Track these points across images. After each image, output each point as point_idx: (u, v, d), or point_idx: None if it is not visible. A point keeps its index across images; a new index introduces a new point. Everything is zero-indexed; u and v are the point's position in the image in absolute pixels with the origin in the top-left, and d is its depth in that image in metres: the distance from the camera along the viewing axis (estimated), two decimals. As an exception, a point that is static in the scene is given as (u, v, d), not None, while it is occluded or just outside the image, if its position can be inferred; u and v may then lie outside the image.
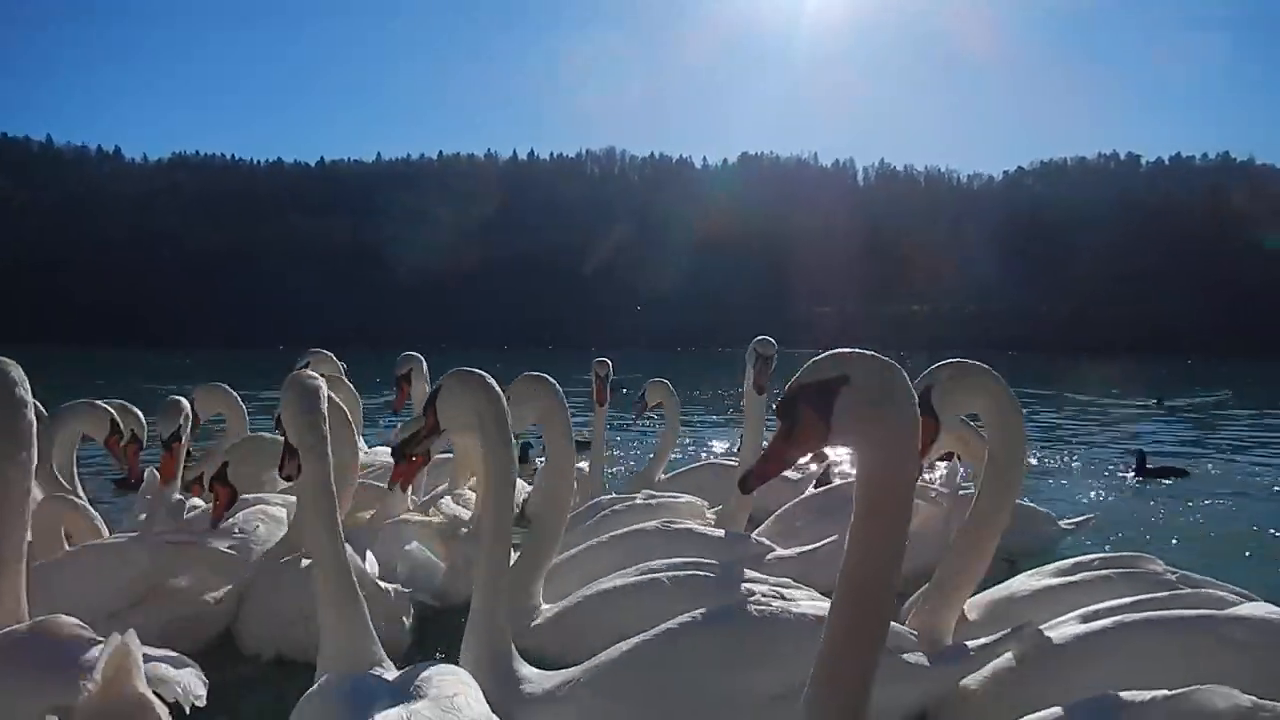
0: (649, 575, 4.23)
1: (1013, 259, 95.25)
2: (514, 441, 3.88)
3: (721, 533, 5.29)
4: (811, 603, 3.61)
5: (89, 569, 4.22)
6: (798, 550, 5.12)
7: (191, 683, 2.54)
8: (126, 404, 5.90)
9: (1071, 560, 4.32)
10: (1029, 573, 4.30)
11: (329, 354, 7.90)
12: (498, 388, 3.78)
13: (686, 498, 6.22)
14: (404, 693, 2.64)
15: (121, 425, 5.74)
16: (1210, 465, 11.88)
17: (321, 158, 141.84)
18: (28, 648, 2.76)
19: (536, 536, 4.52)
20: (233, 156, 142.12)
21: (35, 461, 3.31)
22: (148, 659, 2.42)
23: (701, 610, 3.40)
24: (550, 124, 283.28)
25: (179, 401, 5.59)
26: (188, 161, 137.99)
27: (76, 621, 2.85)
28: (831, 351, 2.17)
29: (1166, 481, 10.40)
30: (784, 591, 3.83)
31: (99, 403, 5.82)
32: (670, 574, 4.21)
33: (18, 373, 3.32)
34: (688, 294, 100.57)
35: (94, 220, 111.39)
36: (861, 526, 2.17)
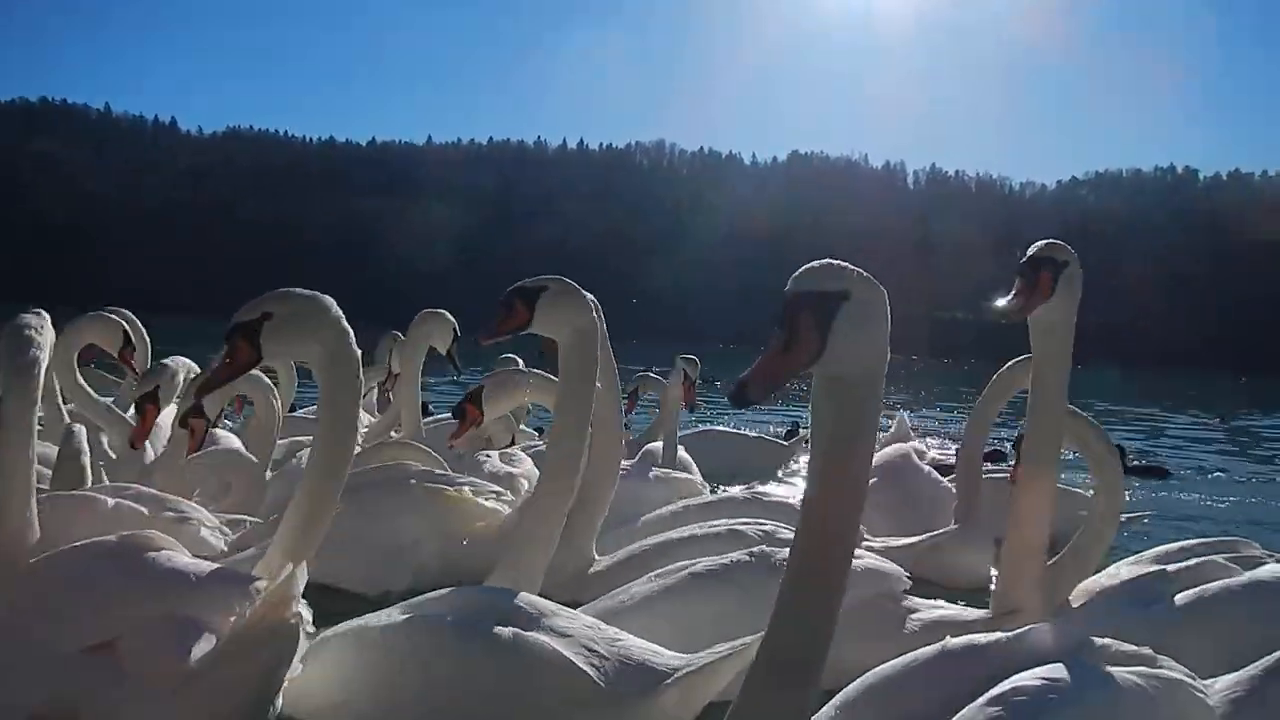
0: (707, 528, 4.24)
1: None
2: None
3: None
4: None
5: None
6: (900, 542, 5.04)
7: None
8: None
9: (1175, 545, 4.26)
10: (1129, 560, 4.26)
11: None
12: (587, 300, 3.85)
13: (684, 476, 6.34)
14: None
15: (133, 337, 5.68)
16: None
17: (373, 138, 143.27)
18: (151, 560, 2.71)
19: (588, 493, 4.28)
20: (285, 132, 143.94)
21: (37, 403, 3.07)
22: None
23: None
24: (602, 115, 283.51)
25: (165, 365, 5.15)
26: (241, 135, 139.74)
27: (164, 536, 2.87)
28: (826, 261, 2.09)
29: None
30: None
31: (108, 313, 5.71)
32: (727, 526, 4.21)
33: (36, 320, 3.14)
34: (729, 289, 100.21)
35: (150, 189, 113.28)
36: (828, 465, 2.12)
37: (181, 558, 2.73)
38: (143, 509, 3.66)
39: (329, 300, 3.06)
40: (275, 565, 2.72)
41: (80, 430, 4.42)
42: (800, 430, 11.05)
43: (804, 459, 6.77)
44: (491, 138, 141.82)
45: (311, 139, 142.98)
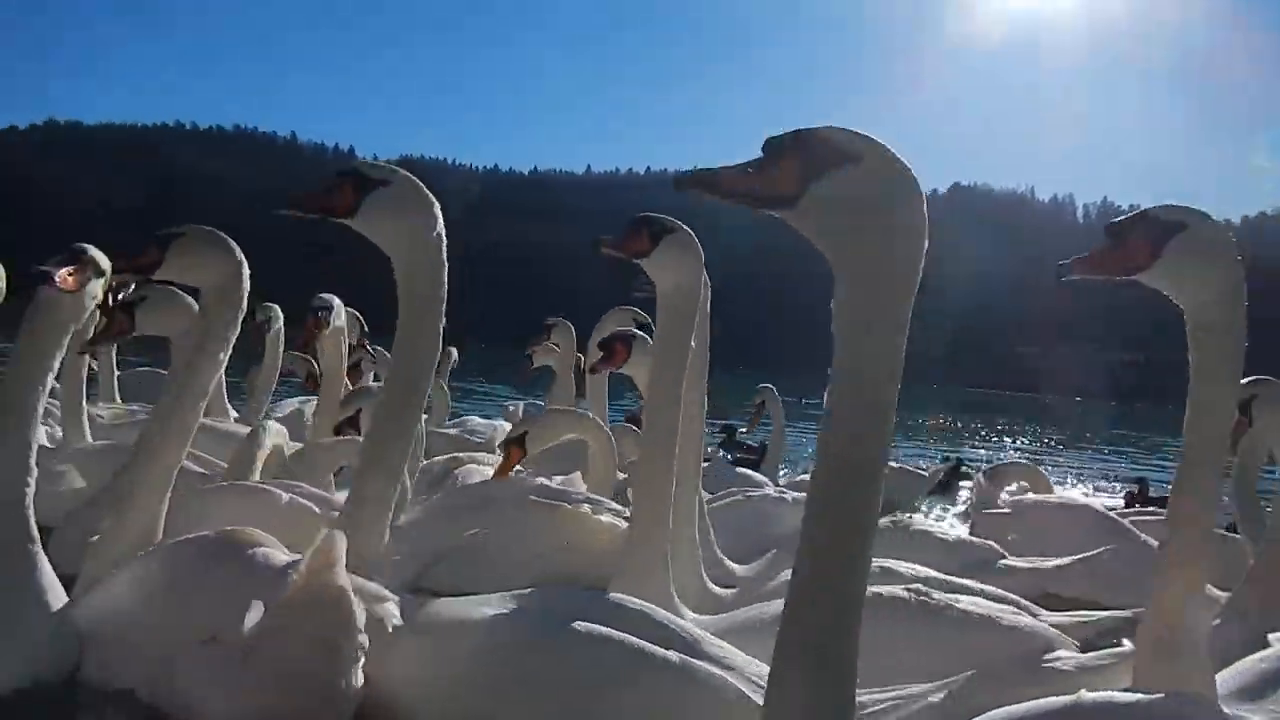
0: None
1: (1248, 312, 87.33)
2: None
3: (955, 536, 5.11)
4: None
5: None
6: (1048, 563, 4.75)
7: (391, 609, 2.59)
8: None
9: None
10: None
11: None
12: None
13: None
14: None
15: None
16: None
17: (534, 166, 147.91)
18: (228, 549, 2.82)
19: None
20: (454, 161, 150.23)
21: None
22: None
23: None
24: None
25: (370, 389, 5.45)
26: (412, 163, 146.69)
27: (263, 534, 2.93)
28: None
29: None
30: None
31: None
32: (878, 564, 4.06)
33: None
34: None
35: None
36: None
37: (279, 554, 2.78)
38: (313, 505, 3.74)
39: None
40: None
41: (270, 426, 4.65)
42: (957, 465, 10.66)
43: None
44: (649, 166, 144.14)
45: (477, 167, 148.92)
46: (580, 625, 2.56)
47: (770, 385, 8.85)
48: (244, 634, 2.36)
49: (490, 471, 5.04)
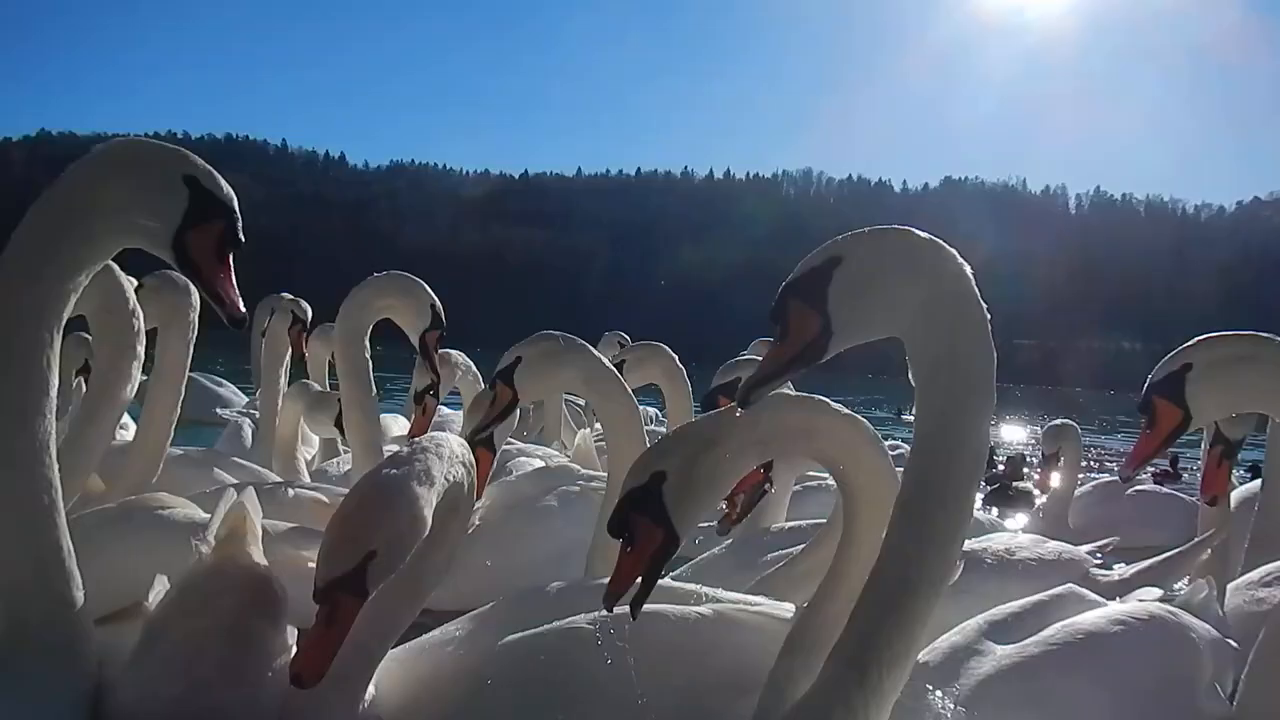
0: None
1: (1241, 297, 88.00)
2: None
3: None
4: None
5: None
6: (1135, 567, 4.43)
7: None
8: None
9: None
10: None
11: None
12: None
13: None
14: None
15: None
16: None
17: (526, 170, 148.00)
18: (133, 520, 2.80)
19: None
20: (444, 166, 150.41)
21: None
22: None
23: None
24: (747, 144, 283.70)
25: (449, 355, 5.73)
26: (405, 170, 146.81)
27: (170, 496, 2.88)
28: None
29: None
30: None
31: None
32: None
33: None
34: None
35: (320, 218, 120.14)
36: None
37: (190, 515, 2.86)
38: (323, 497, 3.63)
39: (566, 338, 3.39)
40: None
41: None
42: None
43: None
44: (640, 169, 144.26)
45: (468, 171, 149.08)
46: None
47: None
48: (148, 612, 2.16)
49: (539, 463, 5.05)
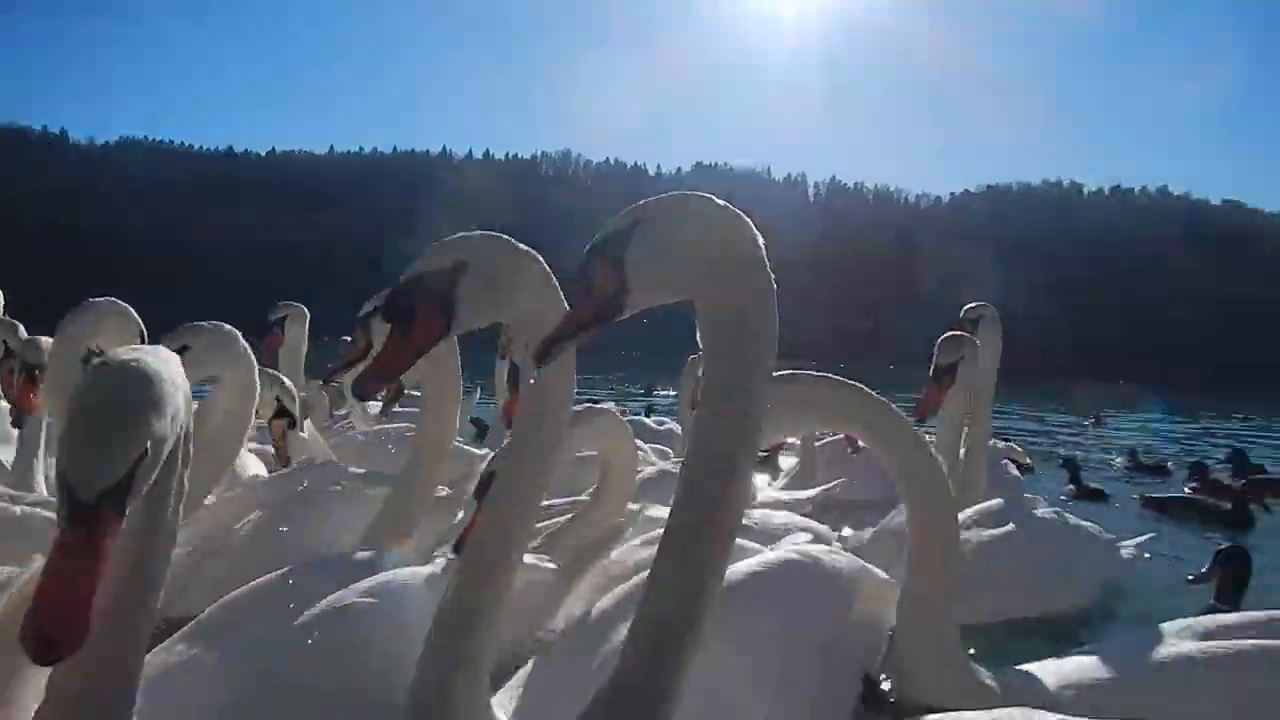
0: None
1: (956, 278, 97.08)
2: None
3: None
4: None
5: None
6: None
7: None
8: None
9: None
10: None
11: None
12: None
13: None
14: None
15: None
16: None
17: (273, 148, 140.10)
18: None
19: None
20: (182, 143, 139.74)
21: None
22: None
23: None
24: (508, 125, 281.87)
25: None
26: (135, 145, 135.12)
27: None
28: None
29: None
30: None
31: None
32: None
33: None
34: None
35: (39, 200, 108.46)
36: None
37: None
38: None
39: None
40: None
41: None
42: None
43: None
44: (396, 147, 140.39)
45: (208, 149, 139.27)
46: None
47: None
48: None
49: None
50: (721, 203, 1.96)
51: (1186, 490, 10.04)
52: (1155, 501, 8.70)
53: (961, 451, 5.26)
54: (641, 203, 1.98)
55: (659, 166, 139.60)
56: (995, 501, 4.96)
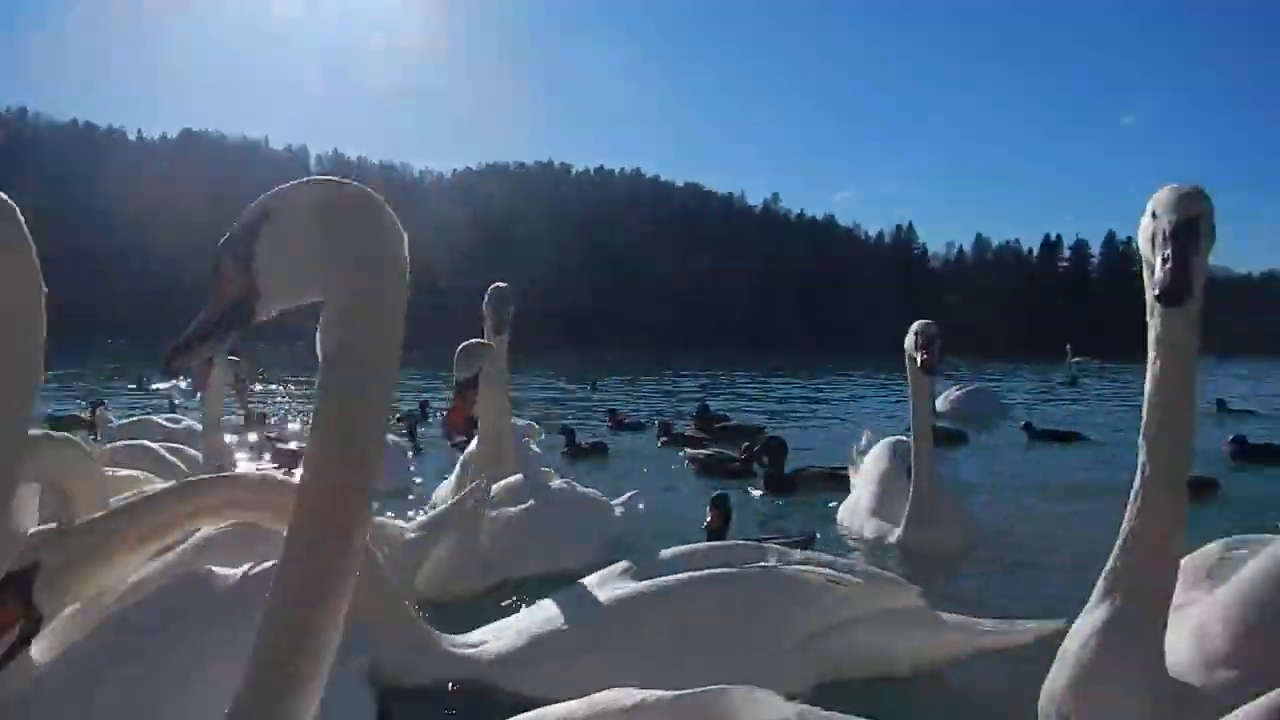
0: None
1: (464, 252, 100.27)
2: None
3: None
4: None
5: None
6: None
7: None
8: None
9: None
10: None
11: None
12: None
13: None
14: None
15: None
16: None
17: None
18: None
19: None
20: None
21: None
22: None
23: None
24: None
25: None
26: None
27: None
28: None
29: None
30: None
31: None
32: None
33: None
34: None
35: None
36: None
37: None
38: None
39: None
40: None
41: None
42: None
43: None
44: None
45: None
46: None
47: None
48: None
49: None
50: (363, 191, 1.78)
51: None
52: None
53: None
54: (274, 191, 1.76)
55: (140, 131, 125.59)
56: (517, 477, 5.81)
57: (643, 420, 15.33)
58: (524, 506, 5.62)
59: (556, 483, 6.17)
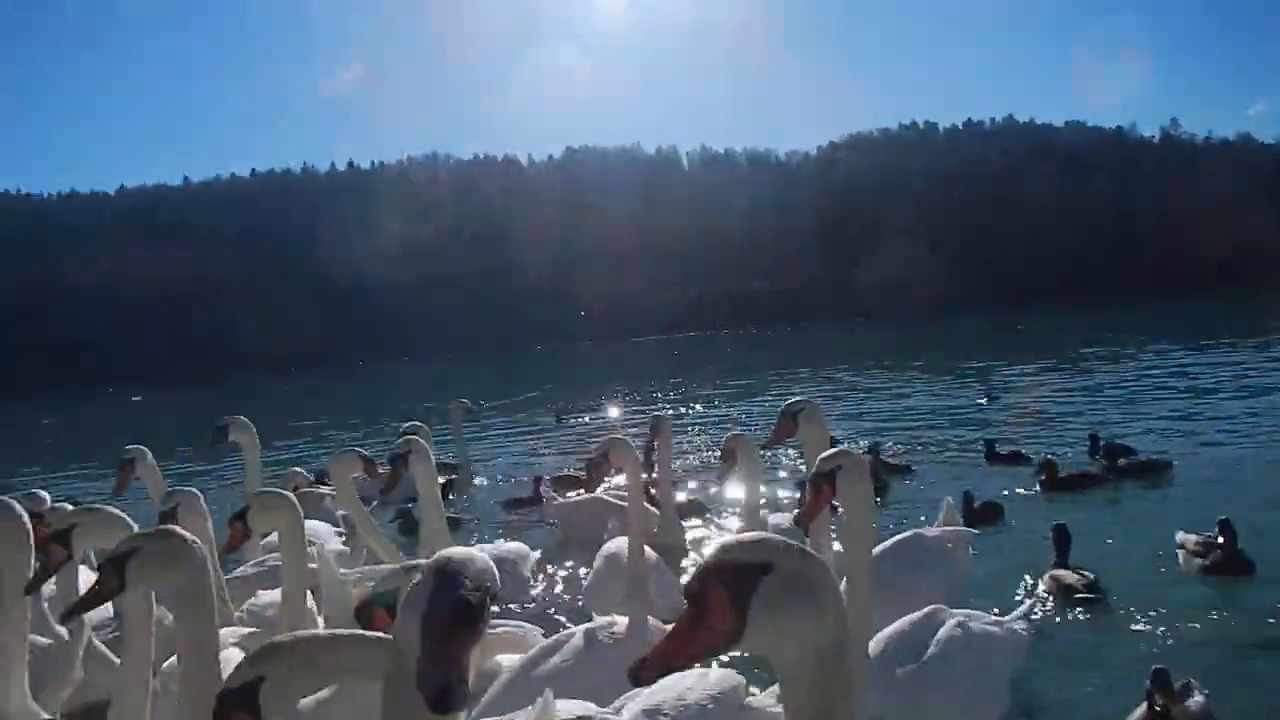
0: None
1: (830, 233, 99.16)
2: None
3: None
4: None
5: None
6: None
7: None
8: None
9: None
10: None
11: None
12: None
13: None
14: None
15: None
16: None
17: (122, 185, 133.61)
18: None
19: None
20: (19, 190, 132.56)
21: None
22: None
23: None
24: (366, 135, 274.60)
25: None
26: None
27: None
28: (754, 535, 1.89)
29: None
30: None
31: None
32: None
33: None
34: (529, 293, 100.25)
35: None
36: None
37: None
38: None
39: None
40: None
41: None
42: None
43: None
44: (254, 170, 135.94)
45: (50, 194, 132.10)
46: None
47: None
48: None
49: None
50: (811, 561, 1.86)
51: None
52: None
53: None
54: (764, 542, 1.83)
55: (530, 155, 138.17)
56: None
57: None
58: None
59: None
